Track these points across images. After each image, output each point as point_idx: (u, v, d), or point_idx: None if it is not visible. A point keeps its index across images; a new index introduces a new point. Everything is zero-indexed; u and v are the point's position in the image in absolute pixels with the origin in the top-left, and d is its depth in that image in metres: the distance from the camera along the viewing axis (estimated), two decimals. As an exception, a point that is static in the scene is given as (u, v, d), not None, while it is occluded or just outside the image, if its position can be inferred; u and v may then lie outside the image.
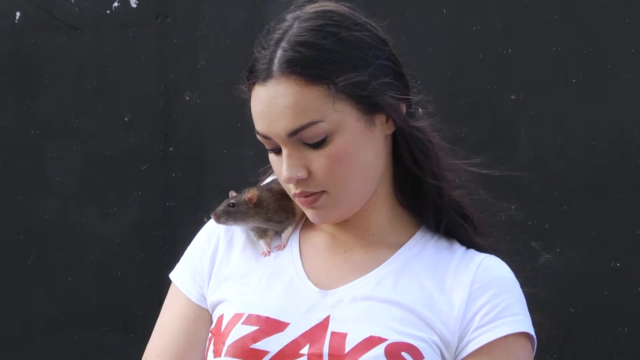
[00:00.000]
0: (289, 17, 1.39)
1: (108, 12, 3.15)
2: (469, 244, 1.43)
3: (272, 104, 1.34)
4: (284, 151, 1.36)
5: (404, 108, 1.38)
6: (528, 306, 1.41)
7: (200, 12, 3.06)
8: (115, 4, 3.15)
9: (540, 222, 2.67)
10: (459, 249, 1.42)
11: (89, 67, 3.19)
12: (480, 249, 1.43)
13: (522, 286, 1.41)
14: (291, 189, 1.39)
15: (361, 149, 1.35)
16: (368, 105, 1.35)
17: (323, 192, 1.37)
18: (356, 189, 1.37)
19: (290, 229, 1.47)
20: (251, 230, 1.48)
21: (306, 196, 1.37)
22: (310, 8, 1.40)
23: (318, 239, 1.45)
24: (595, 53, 2.65)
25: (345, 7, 1.41)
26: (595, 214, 2.65)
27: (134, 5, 3.14)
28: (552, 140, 2.68)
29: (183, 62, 3.09)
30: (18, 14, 3.24)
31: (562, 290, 2.61)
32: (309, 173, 1.35)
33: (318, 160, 1.34)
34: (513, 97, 2.72)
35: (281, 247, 1.46)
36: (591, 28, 2.66)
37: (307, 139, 1.34)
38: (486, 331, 1.35)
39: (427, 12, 2.80)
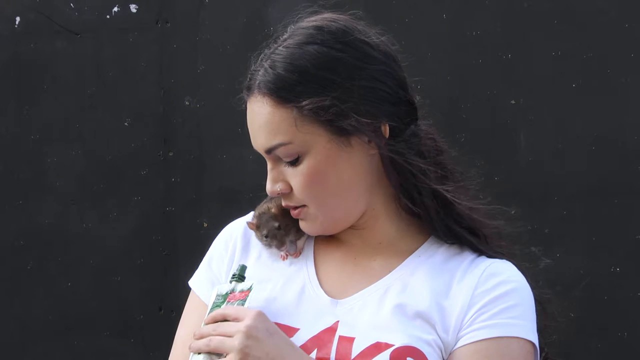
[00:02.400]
0: (289, 28, 1.42)
1: (108, 17, 3.15)
2: (479, 251, 1.44)
3: (252, 120, 1.40)
4: (268, 165, 1.41)
5: (387, 130, 1.38)
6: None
7: (200, 17, 3.06)
8: (115, 9, 3.15)
9: (540, 226, 2.67)
10: (469, 256, 1.43)
11: (89, 72, 3.19)
12: (491, 255, 1.43)
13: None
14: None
15: (335, 169, 1.37)
16: (336, 128, 1.36)
17: (304, 206, 1.40)
18: (334, 206, 1.40)
19: (305, 236, 1.48)
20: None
21: (293, 209, 1.42)
22: (307, 22, 1.42)
23: (331, 247, 1.47)
24: (595, 58, 2.66)
25: (342, 21, 1.40)
26: (595, 219, 2.65)
27: (134, 11, 3.14)
28: (552, 145, 2.69)
29: (183, 67, 3.09)
30: (18, 19, 3.24)
31: (562, 295, 2.61)
32: (290, 188, 1.39)
33: (295, 177, 1.38)
34: (513, 102, 2.73)
35: (297, 255, 1.47)
36: (591, 33, 2.66)
37: (283, 157, 1.38)
38: (478, 329, 1.36)
39: (427, 17, 2.80)
